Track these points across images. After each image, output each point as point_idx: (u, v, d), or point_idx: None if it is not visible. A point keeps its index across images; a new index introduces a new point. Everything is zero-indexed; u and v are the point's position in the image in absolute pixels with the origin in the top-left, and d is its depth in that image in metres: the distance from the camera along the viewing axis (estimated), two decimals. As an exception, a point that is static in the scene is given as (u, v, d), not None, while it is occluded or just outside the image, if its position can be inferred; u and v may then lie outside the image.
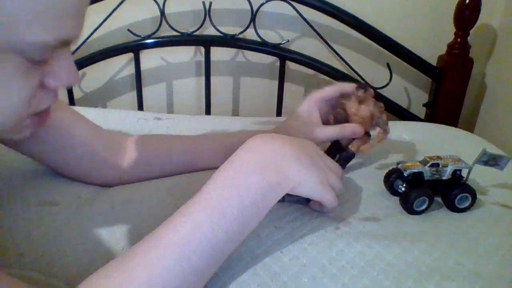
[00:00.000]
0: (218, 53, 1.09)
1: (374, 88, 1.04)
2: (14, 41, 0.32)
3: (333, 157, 0.65)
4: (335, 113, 0.70)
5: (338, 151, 0.68)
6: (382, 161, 0.75)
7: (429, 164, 0.61)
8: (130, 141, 0.67)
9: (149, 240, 0.42)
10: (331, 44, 1.03)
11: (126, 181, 0.65)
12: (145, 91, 1.13)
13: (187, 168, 0.68)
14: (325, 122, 0.70)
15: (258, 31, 1.02)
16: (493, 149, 0.80)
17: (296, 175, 0.48)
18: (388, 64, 1.04)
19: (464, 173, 0.62)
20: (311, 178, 0.49)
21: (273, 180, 0.46)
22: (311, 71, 1.08)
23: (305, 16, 1.00)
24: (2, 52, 0.32)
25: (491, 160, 0.59)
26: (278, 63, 1.06)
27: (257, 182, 0.46)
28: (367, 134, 0.68)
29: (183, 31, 1.02)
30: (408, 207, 0.60)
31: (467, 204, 0.61)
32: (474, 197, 0.61)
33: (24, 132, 0.41)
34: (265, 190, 0.46)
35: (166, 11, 1.00)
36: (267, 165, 0.47)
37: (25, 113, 0.37)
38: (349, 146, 0.67)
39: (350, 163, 0.69)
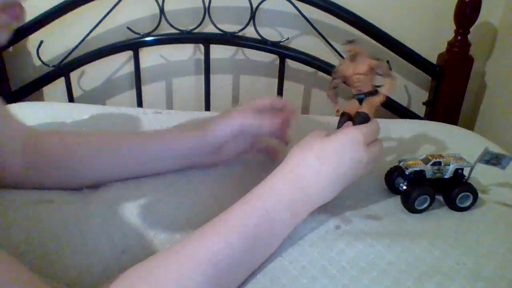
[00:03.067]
0: (218, 51, 1.08)
1: (374, 87, 1.05)
2: None
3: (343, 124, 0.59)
4: (334, 84, 0.62)
5: (350, 118, 0.59)
6: (383, 159, 0.75)
7: (431, 163, 0.60)
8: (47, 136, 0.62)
9: (180, 252, 0.44)
10: (331, 42, 1.03)
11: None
12: (145, 89, 1.12)
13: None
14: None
15: (258, 29, 1.01)
16: (495, 148, 0.80)
17: (320, 202, 0.52)
18: (388, 62, 1.04)
19: (465, 172, 0.61)
20: (334, 195, 0.53)
21: (298, 214, 0.51)
22: (310, 69, 1.07)
23: (304, 13, 1.00)
24: None
25: (493, 159, 0.59)
26: (277, 61, 1.06)
27: (287, 217, 0.50)
28: (374, 91, 0.59)
29: (182, 28, 1.02)
30: (410, 206, 0.59)
31: (468, 203, 0.61)
32: (475, 196, 0.60)
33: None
34: (291, 222, 0.50)
35: (166, 8, 1.00)
36: (298, 203, 0.50)
37: None
38: (359, 110, 0.58)
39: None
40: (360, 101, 0.59)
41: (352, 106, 0.59)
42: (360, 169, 0.53)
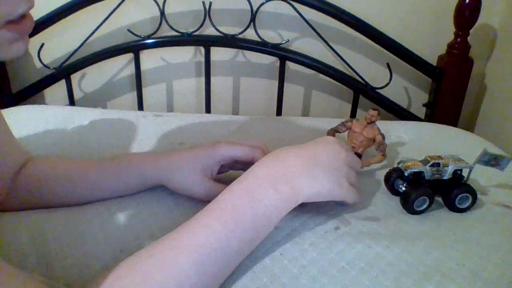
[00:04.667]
0: (218, 53, 1.09)
1: (374, 88, 1.05)
2: None
3: None
4: (338, 129, 0.72)
5: None
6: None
7: (429, 164, 0.60)
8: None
9: (165, 242, 0.44)
10: (331, 44, 1.03)
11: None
12: (145, 91, 1.13)
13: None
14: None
15: (258, 31, 1.01)
16: (494, 149, 0.80)
17: (308, 188, 0.51)
18: (388, 64, 1.04)
19: (464, 173, 0.62)
20: (325, 186, 0.52)
21: (284, 193, 0.49)
22: (311, 71, 1.08)
23: (305, 16, 1.00)
24: None
25: (492, 160, 0.59)
26: (278, 63, 1.06)
27: (269, 194, 0.48)
28: (359, 155, 0.69)
29: (183, 31, 1.02)
30: (409, 207, 0.60)
31: (467, 204, 0.61)
32: (474, 197, 0.61)
33: (11, 49, 0.34)
34: (276, 202, 0.49)
35: (166, 11, 1.00)
36: (279, 179, 0.50)
37: None
38: None
39: None
40: None
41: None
42: (341, 164, 0.54)
